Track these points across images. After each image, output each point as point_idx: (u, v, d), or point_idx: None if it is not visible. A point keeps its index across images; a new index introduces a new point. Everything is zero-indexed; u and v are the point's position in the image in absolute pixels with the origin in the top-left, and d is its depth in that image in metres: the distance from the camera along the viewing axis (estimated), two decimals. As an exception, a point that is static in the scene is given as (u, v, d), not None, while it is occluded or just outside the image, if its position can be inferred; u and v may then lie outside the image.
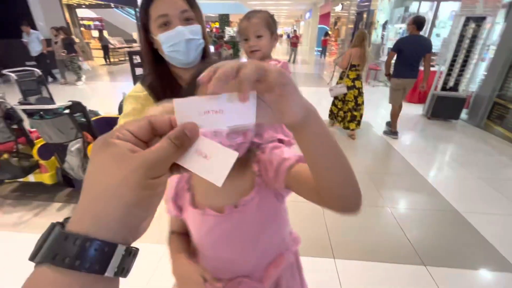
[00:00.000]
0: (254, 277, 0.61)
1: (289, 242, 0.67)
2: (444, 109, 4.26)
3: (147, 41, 0.78)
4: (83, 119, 1.93)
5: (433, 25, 7.33)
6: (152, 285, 1.43)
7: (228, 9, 22.57)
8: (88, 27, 18.58)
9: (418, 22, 3.21)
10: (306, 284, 0.75)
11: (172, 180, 0.61)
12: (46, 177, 2.17)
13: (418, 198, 2.30)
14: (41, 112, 1.84)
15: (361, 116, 3.57)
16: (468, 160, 3.04)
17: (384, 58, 7.47)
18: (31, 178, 2.18)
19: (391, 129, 3.66)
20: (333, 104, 3.78)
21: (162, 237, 1.76)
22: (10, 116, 1.90)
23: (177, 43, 0.73)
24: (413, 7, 6.82)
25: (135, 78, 5.93)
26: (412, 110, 4.94)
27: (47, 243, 0.22)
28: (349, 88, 3.42)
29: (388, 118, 3.77)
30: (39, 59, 6.81)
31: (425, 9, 7.06)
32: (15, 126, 1.98)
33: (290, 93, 0.30)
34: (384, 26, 7.75)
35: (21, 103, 2.11)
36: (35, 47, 6.70)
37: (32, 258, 0.22)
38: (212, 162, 0.27)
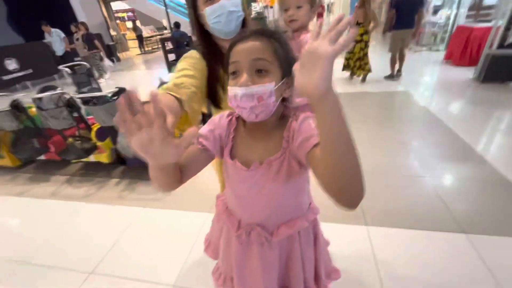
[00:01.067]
0: (266, 229, 0.69)
1: (306, 211, 0.72)
2: (501, 70, 3.76)
3: (196, 17, 0.88)
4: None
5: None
6: (191, 260, 1.60)
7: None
8: (122, 19, 19.51)
9: None
10: (322, 249, 0.80)
11: (220, 125, 0.66)
12: (103, 157, 2.50)
13: (462, 167, 2.16)
14: (94, 100, 2.10)
15: (366, 63, 4.41)
16: (527, 125, 2.71)
17: (429, 17, 6.71)
18: (91, 158, 2.53)
19: (391, 73, 4.55)
20: (345, 57, 4.67)
21: (202, 206, 1.95)
22: (71, 105, 2.20)
23: (220, 15, 0.82)
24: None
25: (169, 64, 6.22)
26: (461, 74, 4.44)
27: None
28: (357, 41, 4.24)
29: (434, 87, 3.92)
30: (65, 58, 6.70)
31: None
32: (75, 114, 2.29)
33: (326, 64, 0.37)
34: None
35: (78, 93, 2.40)
36: (59, 46, 6.67)
37: None
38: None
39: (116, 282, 1.48)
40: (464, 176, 2.07)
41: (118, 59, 9.98)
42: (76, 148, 2.46)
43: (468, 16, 6.04)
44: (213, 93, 0.92)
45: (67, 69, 3.78)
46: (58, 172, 2.68)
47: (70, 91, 2.74)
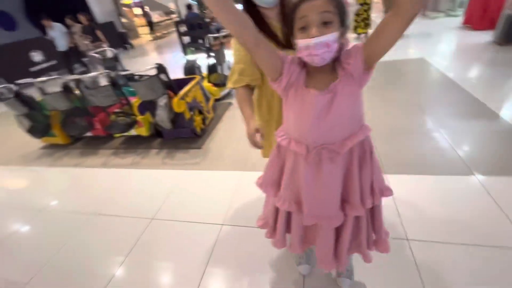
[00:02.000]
0: (335, 145, 0.82)
1: (361, 126, 0.86)
2: (521, 30, 3.71)
3: None
4: (166, 80, 2.40)
5: None
6: (233, 206, 1.88)
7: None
8: (128, 6, 19.48)
9: None
10: (376, 166, 0.91)
11: (294, 61, 0.80)
12: (143, 130, 2.80)
13: (473, 122, 2.30)
14: (136, 76, 2.36)
15: (370, 21, 5.41)
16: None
17: (446, -19, 6.44)
18: (132, 132, 2.85)
19: None
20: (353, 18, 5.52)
21: (236, 166, 2.22)
22: (114, 83, 2.48)
23: None
24: None
25: (184, 47, 6.36)
26: (479, 38, 4.39)
27: None
28: (361, 4, 5.23)
29: (451, 53, 3.98)
30: (69, 54, 6.07)
31: None
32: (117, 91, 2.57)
33: None
34: None
35: (122, 71, 2.67)
36: (61, 41, 5.88)
37: None
38: None
39: (173, 225, 1.80)
40: (476, 129, 2.22)
41: (132, 46, 10.19)
42: (119, 124, 2.77)
43: (489, -24, 5.76)
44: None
45: (97, 55, 4.05)
46: (104, 146, 3.02)
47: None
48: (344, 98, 0.76)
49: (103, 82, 2.70)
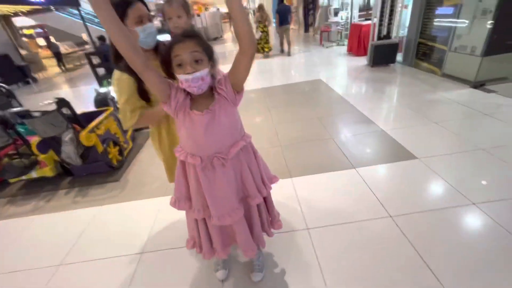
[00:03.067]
0: (223, 153, 1.01)
1: (243, 135, 1.08)
2: (382, 56, 4.90)
3: None
4: (69, 113, 2.28)
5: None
6: (154, 233, 1.90)
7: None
8: (30, 37, 17.25)
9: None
10: (261, 162, 1.16)
11: (179, 89, 0.93)
12: (47, 171, 2.52)
13: (355, 128, 2.91)
14: (36, 113, 2.17)
15: (269, 46, 7.76)
16: (400, 92, 3.72)
17: (332, 19, 7.95)
18: (33, 174, 2.53)
19: (281, 49, 7.97)
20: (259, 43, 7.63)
21: (155, 193, 2.23)
22: (5, 122, 2.21)
23: (150, 32, 1.14)
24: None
25: (99, 79, 6.01)
26: (358, 62, 5.56)
27: None
28: (262, 32, 7.47)
29: (340, 74, 4.81)
30: None
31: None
32: (9, 131, 2.29)
33: None
34: (328, -12, 8.16)
35: (14, 108, 2.39)
36: None
37: None
38: None
39: (85, 266, 1.67)
40: (357, 133, 2.80)
41: (35, 80, 8.99)
42: (14, 166, 2.44)
43: (360, 16, 7.45)
44: (142, 91, 1.18)
45: (-19, 91, 3.49)
46: (-5, 196, 2.57)
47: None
48: (222, 115, 0.96)
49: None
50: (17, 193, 2.59)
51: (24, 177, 2.52)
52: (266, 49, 7.70)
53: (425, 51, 4.38)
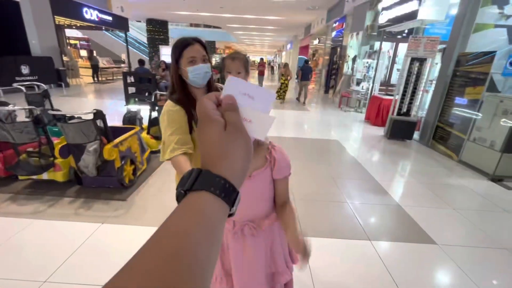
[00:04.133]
0: (255, 223, 0.96)
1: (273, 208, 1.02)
2: (400, 130, 5.06)
3: (176, 69, 1.24)
4: (102, 126, 2.35)
5: (393, 61, 8.55)
6: None
7: (215, 37, 23.81)
8: (75, 46, 18.86)
9: (305, 61, 9.88)
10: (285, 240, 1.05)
11: None
12: (59, 175, 2.50)
13: (371, 196, 2.86)
14: (66, 117, 2.24)
15: (285, 96, 9.20)
16: (416, 170, 3.73)
17: (353, 87, 8.48)
18: (44, 176, 2.50)
19: (297, 98, 9.53)
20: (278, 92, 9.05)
21: (158, 222, 2.23)
22: (39, 121, 2.28)
23: (198, 73, 1.22)
24: (377, 45, 7.98)
25: (127, 96, 6.34)
26: (375, 132, 5.73)
27: (201, 178, 0.29)
28: (282, 83, 8.97)
29: (357, 139, 5.08)
30: None
31: (387, 47, 8.26)
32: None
33: None
34: (353, 60, 8.87)
35: (52, 110, 2.48)
36: None
37: (190, 186, 0.29)
38: (255, 124, 0.36)
39: (74, 288, 1.53)
40: (373, 202, 2.74)
41: (67, 85, 9.53)
42: (29, 165, 2.43)
43: (380, 90, 7.93)
44: (191, 125, 1.23)
45: (22, 87, 3.68)
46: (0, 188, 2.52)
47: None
48: (258, 180, 0.92)
49: (22, 117, 2.45)
50: (21, 191, 2.53)
51: (34, 177, 2.49)
52: (281, 98, 9.01)
53: (443, 135, 4.51)
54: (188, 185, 0.29)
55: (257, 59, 13.80)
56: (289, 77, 9.06)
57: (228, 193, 0.29)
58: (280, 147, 0.95)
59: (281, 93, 8.92)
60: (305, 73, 8.90)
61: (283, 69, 9.14)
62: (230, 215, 0.31)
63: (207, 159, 0.32)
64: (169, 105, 1.23)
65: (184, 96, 1.27)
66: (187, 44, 1.21)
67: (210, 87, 1.35)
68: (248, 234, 0.95)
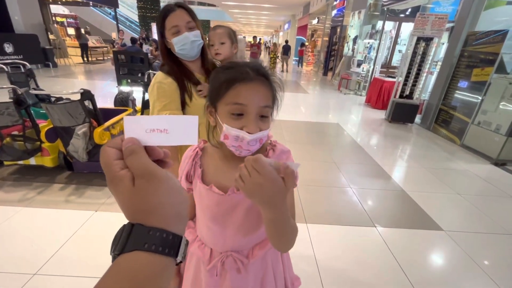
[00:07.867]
0: (242, 253, 0.69)
1: None
2: (402, 114, 4.94)
3: (163, 43, 1.08)
4: (91, 108, 2.17)
5: (395, 42, 8.27)
6: None
7: (209, 15, 22.86)
8: (61, 24, 17.88)
9: (285, 41, 13.09)
10: (286, 261, 0.80)
11: (188, 158, 0.69)
12: (47, 160, 2.35)
13: (374, 181, 2.78)
14: (52, 98, 2.05)
15: (274, 67, 12.32)
16: (419, 154, 3.66)
17: (354, 69, 8.24)
18: (32, 161, 2.34)
19: (281, 70, 12.74)
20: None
21: None
22: (20, 101, 2.09)
23: (184, 44, 1.04)
24: (379, 25, 7.67)
25: (119, 77, 6.03)
26: (376, 115, 5.61)
27: (133, 235, 0.26)
28: (271, 57, 12.81)
29: (358, 122, 4.66)
30: None
31: (389, 27, 7.95)
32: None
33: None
34: (354, 41, 8.55)
35: (35, 89, 2.28)
36: None
37: (121, 248, 0.26)
38: (175, 131, 0.31)
39: (61, 282, 1.44)
40: (376, 187, 2.67)
41: (55, 65, 9.08)
42: (15, 149, 2.27)
43: (381, 72, 7.72)
44: (183, 101, 1.08)
45: (3, 66, 3.40)
46: (-17, 175, 2.36)
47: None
48: (253, 204, 0.64)
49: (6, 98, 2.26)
50: (8, 178, 2.39)
51: (20, 162, 2.34)
52: (272, 68, 10.57)
53: (445, 118, 4.42)
54: (119, 248, 0.26)
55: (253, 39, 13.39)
56: (277, 53, 13.10)
57: (168, 243, 0.27)
58: (283, 148, 0.68)
59: (271, 64, 11.67)
60: (285, 50, 12.36)
61: (272, 47, 13.26)
62: (180, 263, 0.29)
63: (136, 215, 0.28)
64: (159, 76, 1.08)
65: (177, 68, 1.11)
66: (167, 11, 1.03)
67: (204, 60, 1.17)
68: (230, 269, 0.68)
